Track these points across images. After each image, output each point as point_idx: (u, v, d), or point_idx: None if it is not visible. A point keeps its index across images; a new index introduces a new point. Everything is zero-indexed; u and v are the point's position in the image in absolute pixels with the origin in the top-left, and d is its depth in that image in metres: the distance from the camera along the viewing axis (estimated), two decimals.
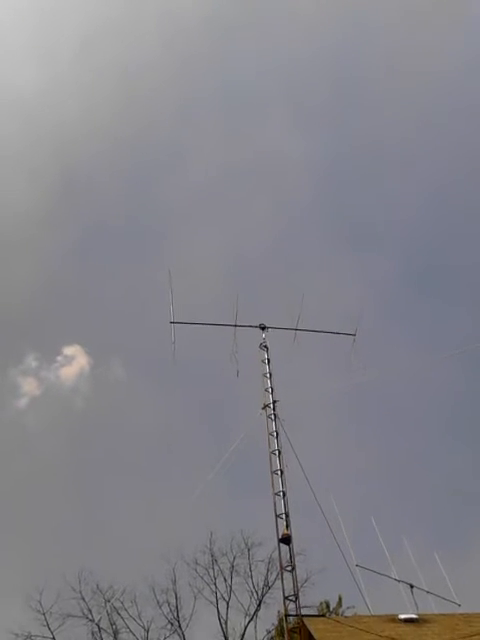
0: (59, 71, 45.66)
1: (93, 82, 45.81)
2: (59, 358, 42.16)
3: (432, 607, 12.65)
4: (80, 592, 27.83)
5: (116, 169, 46.63)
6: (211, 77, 46.09)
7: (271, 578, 27.71)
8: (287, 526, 12.76)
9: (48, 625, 27.03)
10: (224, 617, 27.97)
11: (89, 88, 45.67)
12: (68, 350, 42.10)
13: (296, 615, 12.28)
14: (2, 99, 45.29)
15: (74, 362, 42.46)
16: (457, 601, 12.76)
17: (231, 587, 28.38)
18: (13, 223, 45.46)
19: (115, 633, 28.01)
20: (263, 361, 14.99)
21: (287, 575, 12.50)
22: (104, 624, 27.97)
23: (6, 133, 44.88)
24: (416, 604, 12.58)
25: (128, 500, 33.97)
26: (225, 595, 28.32)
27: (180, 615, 28.09)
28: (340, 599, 27.48)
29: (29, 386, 41.96)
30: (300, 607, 12.30)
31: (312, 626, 11.64)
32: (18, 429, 40.76)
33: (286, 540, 12.66)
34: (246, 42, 44.60)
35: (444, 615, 12.35)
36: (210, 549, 28.78)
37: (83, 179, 46.60)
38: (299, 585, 13.04)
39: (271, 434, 13.85)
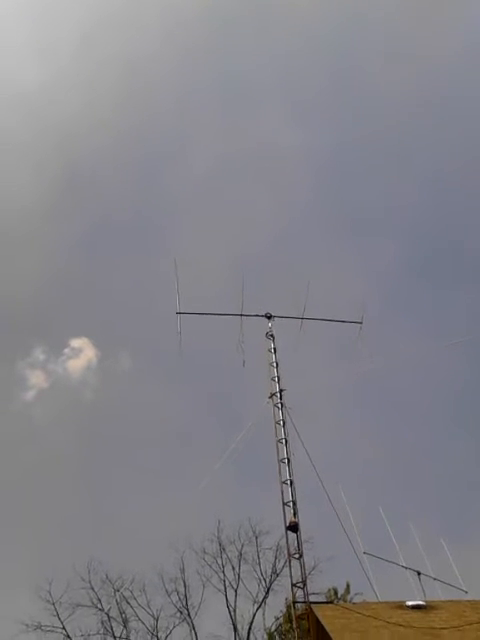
0: (61, 65, 45.61)
1: (94, 76, 45.80)
2: (66, 350, 42.30)
3: (439, 594, 12.72)
4: (89, 582, 28.03)
5: (119, 162, 46.69)
6: (211, 69, 46.02)
7: (279, 566, 27.84)
8: (294, 514, 12.80)
9: (58, 615, 27.24)
10: (232, 605, 28.14)
11: (91, 82, 45.67)
12: (75, 342, 42.26)
13: (304, 602, 12.35)
14: (4, 93, 45.38)
15: (82, 354, 42.63)
16: (464, 588, 12.82)
17: (239, 575, 28.53)
18: (19, 217, 45.58)
19: (125, 622, 28.21)
20: (269, 350, 14.99)
21: (295, 563, 12.57)
22: (114, 613, 28.17)
23: (9, 127, 44.91)
24: (423, 591, 12.65)
25: (136, 490, 34.18)
26: (233, 583, 28.46)
27: (189, 603, 28.27)
28: (348, 586, 27.58)
29: (37, 379, 42.16)
30: (308, 594, 12.39)
31: (320, 613, 11.71)
32: (25, 421, 41.04)
33: (294, 528, 12.70)
34: (245, 34, 44.48)
35: (451, 602, 12.40)
36: (218, 537, 28.92)
37: (87, 172, 46.65)
38: (307, 572, 13.12)
39: (278, 423, 13.87)
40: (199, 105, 46.16)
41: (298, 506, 12.90)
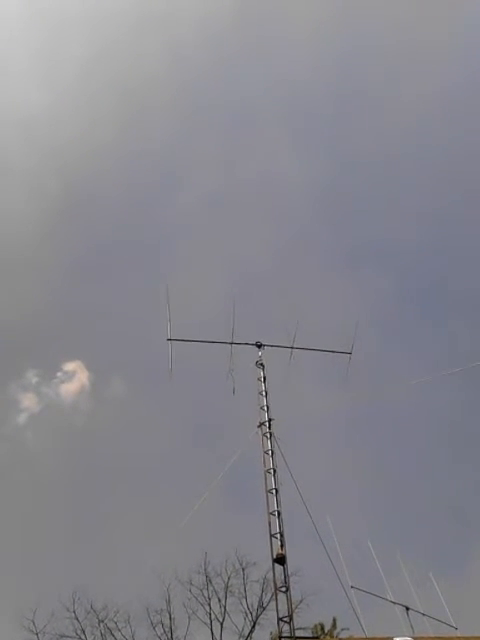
0: (62, 91, 46.18)
1: (95, 102, 46.37)
2: (59, 374, 42.06)
3: (428, 630, 12.49)
4: (74, 612, 27.60)
5: (117, 188, 47.05)
6: (212, 96, 46.75)
7: (266, 599, 27.46)
8: (282, 546, 12.61)
9: None
10: (218, 638, 27.65)
11: (91, 108, 46.21)
12: (69, 366, 42.04)
13: (290, 637, 12.10)
14: (6, 118, 45.78)
15: (75, 378, 42.38)
16: (454, 624, 12.61)
17: (225, 608, 28.11)
18: (16, 241, 45.71)
19: None
20: (259, 379, 14.92)
21: (281, 596, 12.33)
22: None
23: (10, 151, 45.26)
24: (412, 627, 12.42)
25: (125, 519, 33.77)
26: (219, 616, 28.03)
27: (174, 636, 27.79)
28: (335, 621, 27.17)
29: (29, 402, 41.85)
30: (294, 629, 12.13)
31: None
32: (17, 445, 40.66)
33: (281, 560, 12.49)
34: (246, 62, 45.31)
35: (440, 638, 12.18)
36: (205, 569, 28.55)
37: (85, 197, 46.96)
38: (293, 606, 12.89)
39: (266, 452, 13.74)
40: (199, 132, 46.85)
41: (286, 538, 12.70)
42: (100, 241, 47.24)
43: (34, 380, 42.44)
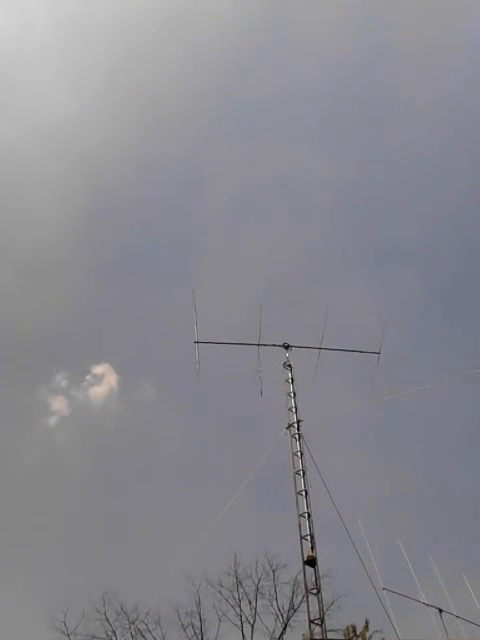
0: (88, 98, 46.68)
1: (121, 108, 46.81)
2: (88, 377, 42.51)
3: (462, 632, 12.33)
4: (105, 613, 27.86)
5: (144, 192, 47.43)
6: (236, 102, 46.86)
7: (296, 601, 27.39)
8: (312, 548, 12.55)
9: None
10: None
11: (117, 115, 46.67)
12: (98, 369, 42.44)
13: (322, 639, 12.05)
14: (34, 126, 46.42)
15: (104, 381, 42.78)
16: None
17: (256, 610, 28.11)
18: (45, 246, 46.37)
19: None
20: (287, 380, 14.87)
21: (312, 598, 12.25)
22: None
23: (37, 159, 45.90)
24: (445, 629, 12.28)
25: (154, 520, 33.95)
26: (250, 618, 28.02)
27: (205, 638, 27.84)
28: (367, 623, 26.99)
29: (59, 405, 42.37)
30: (326, 631, 12.06)
31: None
32: (47, 447, 41.16)
33: (311, 562, 12.42)
34: (268, 66, 45.36)
35: None
36: (235, 571, 28.57)
37: (112, 203, 47.42)
38: (325, 608, 12.80)
39: (295, 454, 13.69)
40: (224, 136, 47.05)
41: (316, 540, 12.64)
42: (128, 245, 47.73)
43: (64, 383, 43.06)
